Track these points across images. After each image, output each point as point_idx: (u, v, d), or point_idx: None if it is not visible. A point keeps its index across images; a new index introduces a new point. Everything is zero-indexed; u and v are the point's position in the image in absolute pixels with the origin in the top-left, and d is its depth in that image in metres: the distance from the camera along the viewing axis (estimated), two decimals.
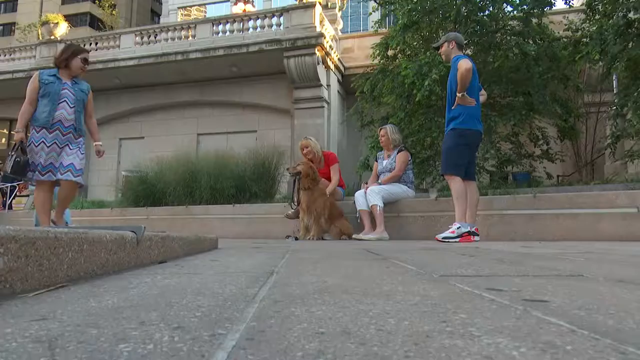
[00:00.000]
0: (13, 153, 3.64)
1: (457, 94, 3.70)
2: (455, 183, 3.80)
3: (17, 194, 14.56)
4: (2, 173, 3.98)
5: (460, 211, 3.80)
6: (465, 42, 6.87)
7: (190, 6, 33.09)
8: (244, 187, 6.49)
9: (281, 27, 12.29)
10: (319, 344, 0.51)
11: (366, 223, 4.83)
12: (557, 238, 4.27)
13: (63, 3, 41.26)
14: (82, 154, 3.92)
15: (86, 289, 0.93)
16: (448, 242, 3.66)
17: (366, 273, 1.25)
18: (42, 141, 3.73)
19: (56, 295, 0.85)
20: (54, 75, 3.88)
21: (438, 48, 4.23)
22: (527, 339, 0.53)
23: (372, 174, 5.37)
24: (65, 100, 3.84)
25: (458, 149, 3.82)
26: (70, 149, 3.83)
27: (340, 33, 14.46)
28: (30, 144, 3.74)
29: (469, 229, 3.77)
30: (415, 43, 8.14)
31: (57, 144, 3.77)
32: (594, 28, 6.99)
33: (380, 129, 5.36)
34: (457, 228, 3.76)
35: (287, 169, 4.87)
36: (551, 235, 4.33)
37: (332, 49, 12.04)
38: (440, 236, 3.79)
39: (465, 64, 3.61)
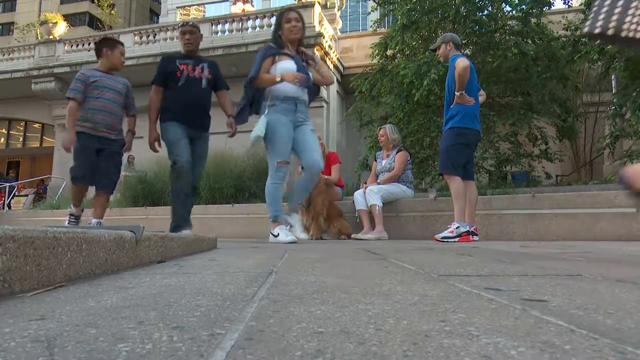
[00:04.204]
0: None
1: (456, 93, 3.70)
2: (454, 182, 3.80)
3: (16, 193, 14.54)
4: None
5: (459, 211, 3.80)
6: (463, 41, 6.87)
7: (189, 6, 33.04)
8: (243, 187, 6.49)
9: None
10: (317, 343, 0.51)
11: (365, 223, 4.83)
12: (555, 238, 4.27)
13: (62, 3, 41.20)
14: None
15: (85, 288, 0.93)
16: (447, 242, 3.66)
17: (365, 273, 1.25)
18: None
19: (55, 294, 0.85)
20: None
21: (435, 50, 4.23)
22: (526, 339, 0.53)
23: (371, 174, 5.37)
24: None
25: (456, 148, 3.82)
26: None
27: (339, 33, 14.46)
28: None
29: (467, 228, 3.77)
30: (414, 43, 8.15)
31: None
32: None
33: (380, 129, 5.36)
34: (456, 228, 3.76)
35: None
36: (550, 235, 4.34)
37: (331, 49, 12.04)
38: (439, 236, 3.79)
39: (462, 63, 3.62)
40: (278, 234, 3.44)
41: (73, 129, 3.64)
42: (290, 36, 3.67)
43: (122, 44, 4.06)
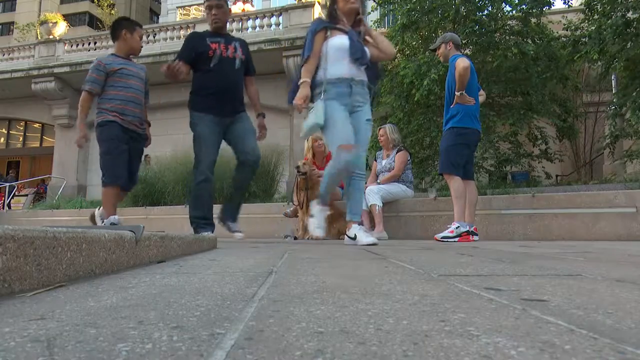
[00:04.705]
0: None
1: (456, 93, 3.70)
2: (454, 182, 3.81)
3: (16, 193, 14.54)
4: None
5: (459, 210, 3.80)
6: (463, 42, 6.86)
7: (189, 5, 33.00)
8: None
9: (280, 27, 12.29)
10: (317, 343, 0.51)
11: (365, 223, 4.83)
12: (555, 238, 4.27)
13: (62, 2, 41.20)
14: None
15: (85, 288, 0.93)
16: (447, 241, 3.66)
17: (365, 272, 1.25)
18: None
19: (55, 294, 0.85)
20: None
21: (435, 50, 4.23)
22: (525, 339, 0.53)
23: (371, 174, 5.37)
24: None
25: (456, 148, 3.82)
26: None
27: None
28: None
29: (467, 228, 3.77)
30: (414, 43, 8.15)
31: None
32: (593, 28, 7.00)
33: (380, 129, 5.36)
34: (456, 228, 3.76)
35: (297, 167, 4.81)
36: (550, 234, 4.34)
37: None
38: (439, 236, 3.79)
39: (462, 63, 3.62)
40: (355, 236, 3.00)
41: (83, 123, 3.31)
42: (347, 7, 3.11)
43: (140, 26, 3.67)
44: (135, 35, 3.54)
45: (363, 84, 3.19)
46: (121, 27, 3.50)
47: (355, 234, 3.02)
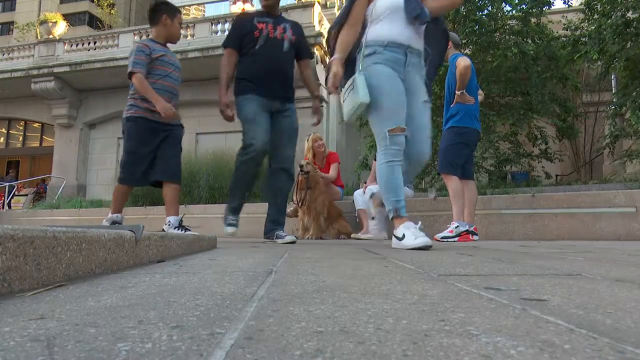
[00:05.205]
0: None
1: (457, 92, 3.70)
2: (452, 182, 3.81)
3: (16, 193, 14.55)
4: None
5: (457, 210, 3.81)
6: (463, 41, 6.85)
7: (189, 5, 33.03)
8: None
9: None
10: (317, 342, 0.51)
11: (365, 222, 4.83)
12: (555, 237, 4.28)
13: (61, 2, 41.17)
14: None
15: (85, 288, 0.93)
16: (447, 241, 3.66)
17: (365, 272, 1.25)
18: None
19: (54, 294, 0.85)
20: None
21: None
22: (525, 338, 0.53)
23: (371, 174, 5.37)
24: None
25: (456, 148, 3.83)
26: None
27: None
28: None
29: (467, 227, 3.77)
30: None
31: None
32: (593, 27, 7.01)
33: None
34: (456, 227, 3.77)
35: (301, 166, 4.80)
36: (550, 234, 4.34)
37: None
38: (439, 236, 3.80)
39: (463, 62, 3.62)
40: (404, 236, 2.35)
41: (156, 95, 3.01)
42: None
43: (180, 11, 3.42)
44: (176, 21, 3.35)
45: (420, 55, 2.58)
46: (161, 12, 3.30)
47: (403, 234, 2.37)
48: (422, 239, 2.30)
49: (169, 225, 3.20)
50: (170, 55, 3.30)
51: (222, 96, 3.17)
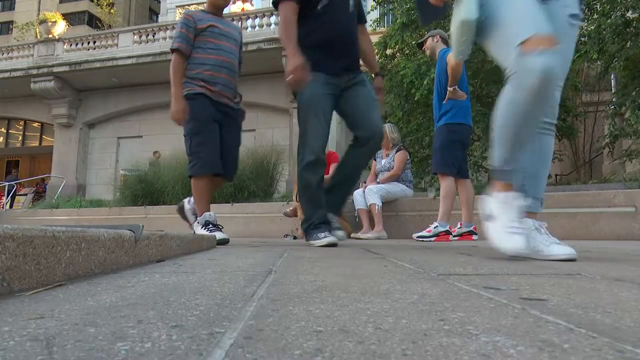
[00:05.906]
0: None
1: (449, 88, 3.70)
2: (447, 182, 3.82)
3: (16, 192, 14.54)
4: None
5: (443, 210, 3.84)
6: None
7: (189, 5, 32.97)
8: (242, 186, 6.49)
9: None
10: (317, 342, 0.51)
11: (365, 222, 4.83)
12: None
13: (61, 2, 41.13)
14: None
15: (84, 287, 0.93)
16: (423, 240, 3.71)
17: (364, 272, 1.25)
18: None
19: (54, 293, 0.85)
20: None
21: (421, 45, 4.24)
22: (524, 338, 0.53)
23: (371, 173, 5.37)
24: None
25: (450, 146, 3.83)
26: None
27: None
28: None
29: (446, 228, 3.82)
30: (413, 42, 8.15)
31: None
32: (592, 27, 7.01)
33: None
34: (434, 227, 3.82)
35: None
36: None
37: None
38: (415, 235, 3.86)
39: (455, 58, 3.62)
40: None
41: (181, 92, 2.65)
42: None
43: None
44: None
45: None
46: None
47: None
48: (568, 250, 1.70)
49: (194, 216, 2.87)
50: (224, 25, 2.86)
51: (294, 55, 2.39)
